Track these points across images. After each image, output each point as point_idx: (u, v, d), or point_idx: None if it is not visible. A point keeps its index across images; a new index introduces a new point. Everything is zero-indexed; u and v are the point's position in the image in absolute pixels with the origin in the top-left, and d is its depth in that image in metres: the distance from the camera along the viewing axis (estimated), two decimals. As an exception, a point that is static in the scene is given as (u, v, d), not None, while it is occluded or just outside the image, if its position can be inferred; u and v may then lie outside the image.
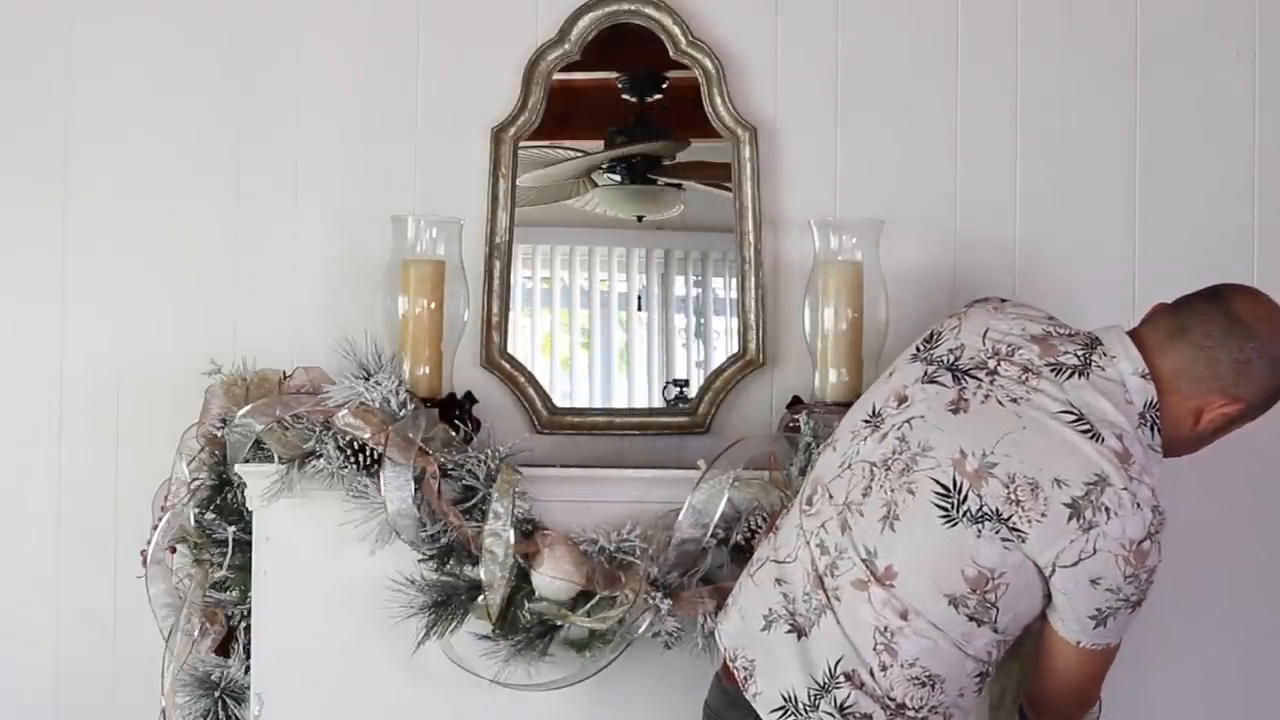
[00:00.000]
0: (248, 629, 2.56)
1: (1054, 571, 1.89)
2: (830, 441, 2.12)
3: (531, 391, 2.77)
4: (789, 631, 2.00)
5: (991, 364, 1.97)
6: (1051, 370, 1.95)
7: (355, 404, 2.43)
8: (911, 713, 1.94)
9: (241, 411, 2.49)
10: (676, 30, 2.76)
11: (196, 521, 2.56)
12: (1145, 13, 2.83)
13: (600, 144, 2.85)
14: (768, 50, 2.81)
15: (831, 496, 2.03)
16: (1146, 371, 1.95)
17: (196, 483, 2.56)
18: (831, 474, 2.05)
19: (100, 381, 2.82)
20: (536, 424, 2.77)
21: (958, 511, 1.90)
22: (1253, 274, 2.82)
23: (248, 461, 2.49)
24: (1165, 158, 2.82)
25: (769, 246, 2.78)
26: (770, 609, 2.03)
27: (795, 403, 2.63)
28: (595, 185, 2.85)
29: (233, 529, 2.54)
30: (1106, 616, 1.91)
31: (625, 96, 2.84)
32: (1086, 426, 1.89)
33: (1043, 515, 1.86)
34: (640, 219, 2.89)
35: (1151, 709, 2.76)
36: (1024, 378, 1.95)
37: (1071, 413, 1.91)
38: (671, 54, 2.77)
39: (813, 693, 1.96)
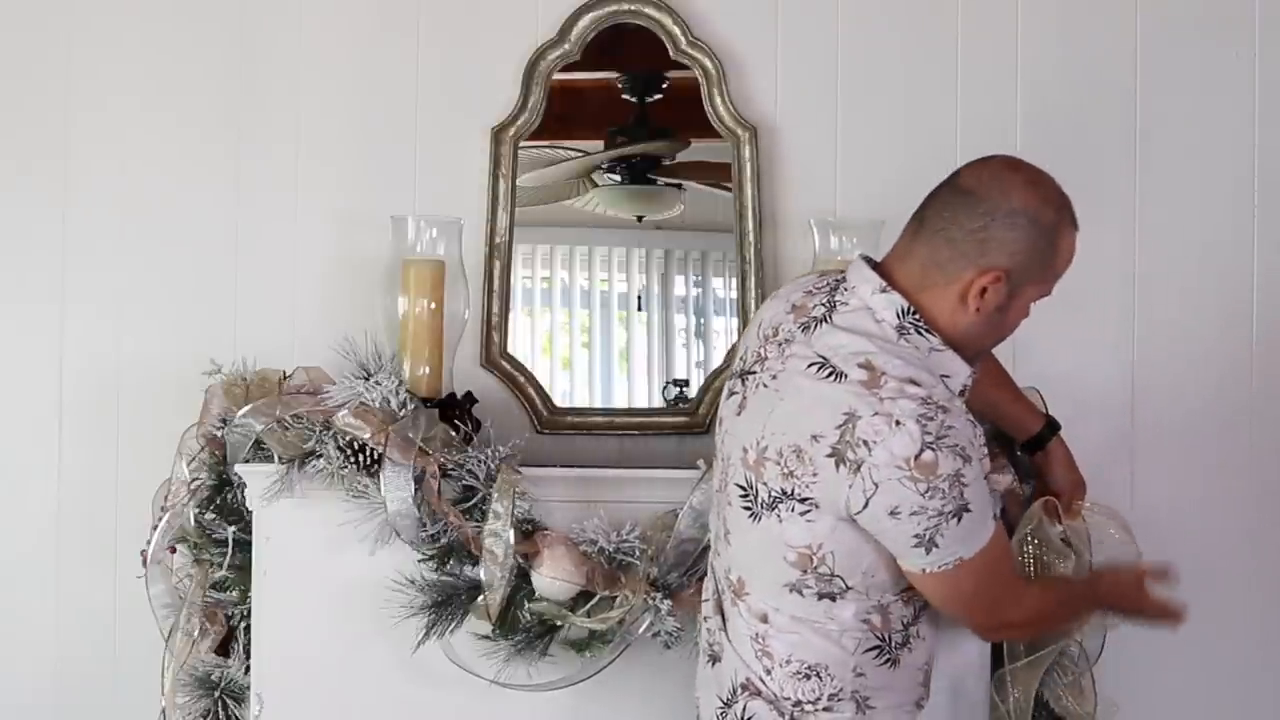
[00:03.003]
0: (248, 629, 2.56)
1: (854, 521, 1.84)
2: None
3: (531, 391, 2.78)
4: (708, 661, 2.05)
5: (763, 352, 1.96)
6: (802, 330, 1.92)
7: (355, 404, 2.43)
8: (811, 706, 1.93)
9: (241, 411, 2.49)
10: (676, 30, 2.76)
11: (196, 521, 2.56)
12: (1145, 13, 2.83)
13: (600, 144, 2.85)
14: (768, 50, 2.81)
15: (712, 532, 2.09)
16: (884, 285, 1.89)
17: (196, 483, 2.56)
18: (711, 512, 2.11)
19: (100, 381, 2.82)
20: (537, 424, 2.77)
21: (757, 506, 1.89)
22: (1253, 274, 2.83)
23: (248, 461, 2.49)
24: (1165, 158, 2.82)
25: (769, 246, 2.78)
26: (702, 647, 2.08)
27: (795, 403, 2.63)
28: (595, 185, 2.85)
29: (233, 529, 2.54)
30: (930, 537, 1.82)
31: (625, 96, 2.84)
32: (829, 370, 1.85)
33: (815, 475, 1.83)
34: (640, 219, 2.89)
35: (1158, 709, 2.76)
36: (782, 350, 1.92)
37: (816, 362, 1.86)
38: (671, 54, 2.77)
39: (719, 711, 1.98)
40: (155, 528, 2.58)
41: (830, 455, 1.81)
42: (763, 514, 1.89)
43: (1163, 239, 2.81)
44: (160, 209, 2.83)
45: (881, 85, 2.82)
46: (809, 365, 1.87)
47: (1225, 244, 2.83)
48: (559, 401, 2.80)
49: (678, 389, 2.83)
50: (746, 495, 1.91)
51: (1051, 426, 2.27)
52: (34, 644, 2.83)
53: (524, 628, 2.41)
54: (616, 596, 2.38)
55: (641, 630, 2.38)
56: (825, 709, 1.93)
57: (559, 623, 2.41)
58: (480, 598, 2.40)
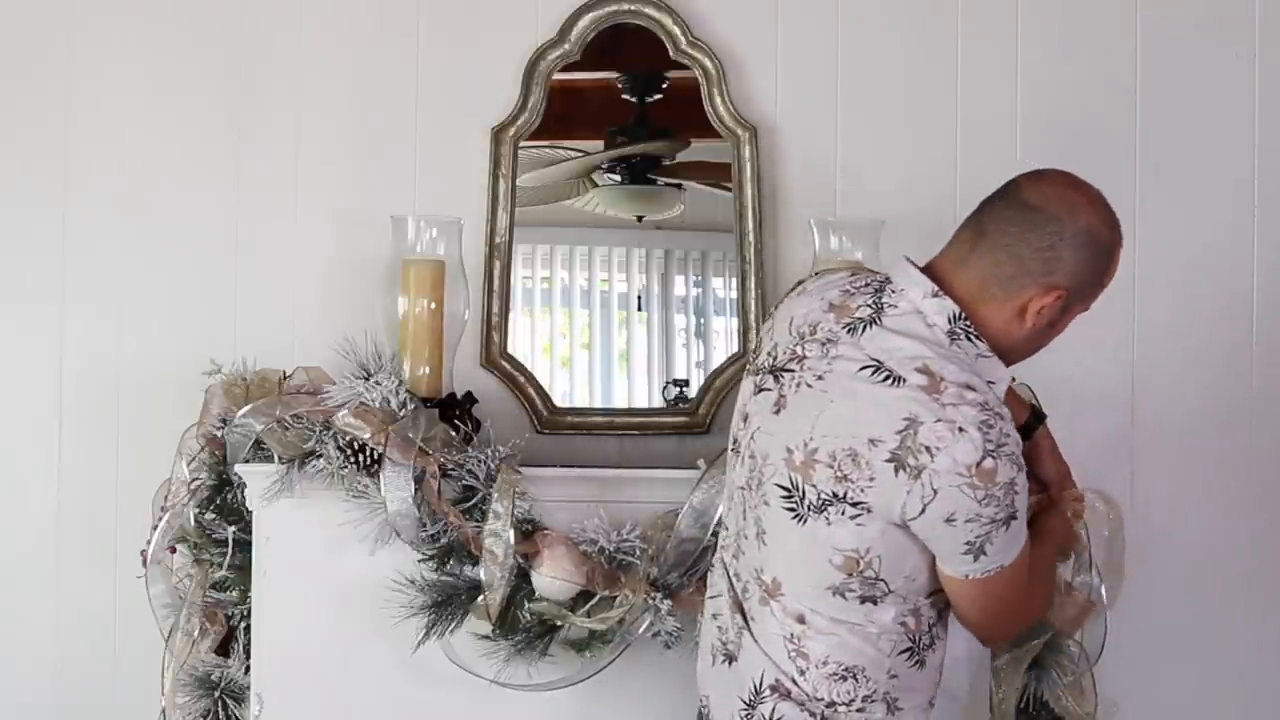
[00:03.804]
0: (248, 629, 2.56)
1: (907, 525, 1.84)
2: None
3: (531, 391, 2.78)
4: (723, 660, 2.02)
5: (800, 350, 1.93)
6: (847, 331, 1.90)
7: (355, 404, 2.43)
8: (844, 708, 1.93)
9: (241, 411, 2.49)
10: (676, 30, 2.76)
11: (196, 521, 2.56)
12: (1145, 13, 2.83)
13: (600, 144, 2.85)
14: (768, 50, 2.81)
15: (728, 528, 2.05)
16: (937, 290, 1.89)
17: (196, 483, 2.56)
18: (725, 508, 2.07)
19: (100, 381, 2.82)
20: (537, 424, 2.77)
21: (803, 508, 1.87)
22: (1252, 274, 2.83)
23: (248, 461, 2.49)
24: (1165, 158, 2.82)
25: (769, 246, 2.79)
26: (712, 645, 2.05)
27: (795, 403, 2.63)
28: (595, 185, 2.85)
29: (233, 529, 2.54)
30: (981, 544, 1.83)
31: (625, 96, 2.84)
32: (885, 374, 1.83)
33: (871, 480, 1.81)
34: (640, 219, 2.89)
35: (1158, 709, 2.76)
36: (826, 350, 1.90)
37: (870, 365, 1.85)
38: (671, 54, 2.77)
39: (744, 713, 1.96)
40: (155, 528, 2.58)
41: (890, 460, 1.80)
42: (809, 516, 1.87)
43: (1163, 239, 2.81)
44: (160, 209, 2.83)
45: (882, 86, 2.82)
46: (862, 368, 1.85)
47: (1225, 244, 2.83)
48: (559, 401, 2.80)
49: (678, 389, 2.83)
50: (790, 497, 1.88)
51: (1037, 416, 2.27)
52: (34, 644, 2.83)
53: (524, 628, 2.41)
54: (616, 596, 2.38)
55: (641, 630, 2.38)
56: (859, 710, 1.93)
57: (559, 623, 2.41)
58: (480, 598, 2.40)
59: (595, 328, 2.88)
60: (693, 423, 2.78)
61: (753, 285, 2.76)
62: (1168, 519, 2.71)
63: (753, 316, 2.76)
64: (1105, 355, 2.81)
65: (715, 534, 2.39)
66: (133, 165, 2.83)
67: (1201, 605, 2.81)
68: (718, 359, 2.82)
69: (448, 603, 2.42)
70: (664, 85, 2.83)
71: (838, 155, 2.81)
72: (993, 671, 2.44)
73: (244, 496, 2.51)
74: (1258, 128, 2.84)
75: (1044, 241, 1.88)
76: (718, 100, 2.76)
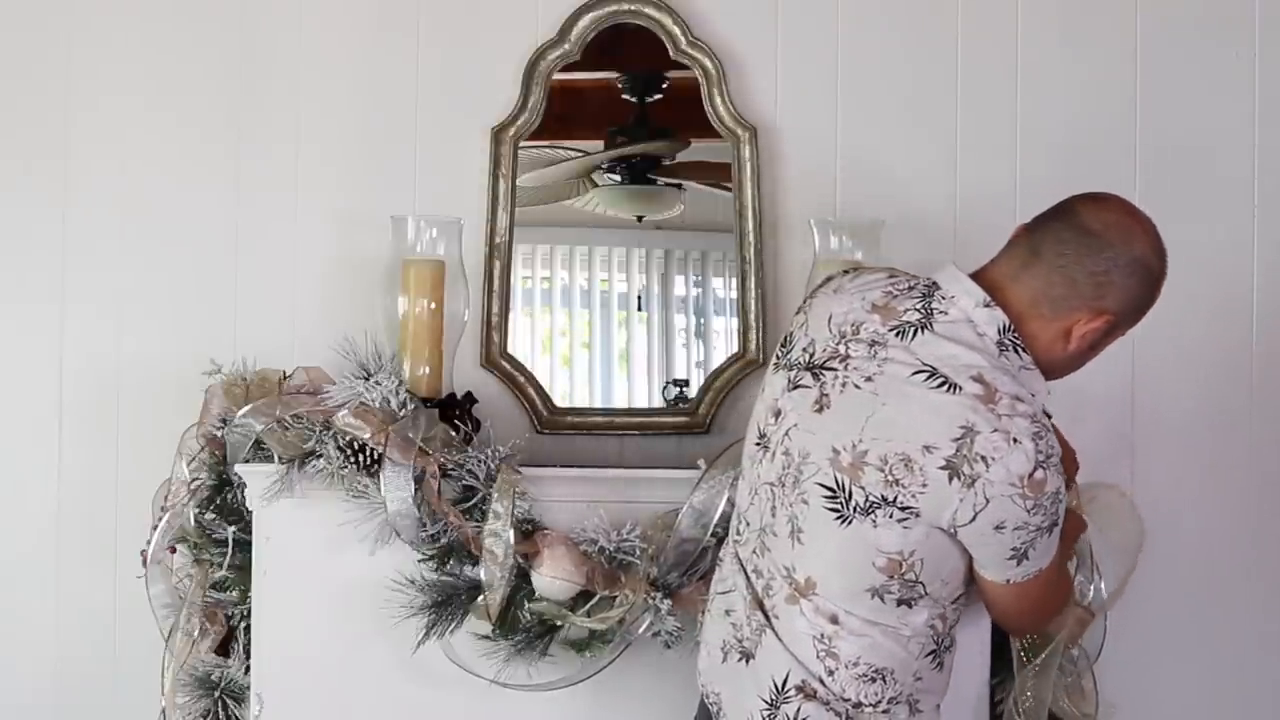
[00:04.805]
0: (248, 629, 2.56)
1: (956, 531, 1.86)
2: (739, 471, 2.12)
3: (531, 391, 2.78)
4: (740, 659, 2.01)
5: (842, 349, 1.93)
6: (896, 334, 1.90)
7: (355, 404, 2.43)
8: (870, 709, 1.94)
9: (241, 411, 2.49)
10: (676, 30, 2.76)
11: (196, 521, 2.56)
12: (1145, 13, 2.83)
13: (600, 144, 2.85)
14: (768, 50, 2.81)
15: (749, 524, 2.04)
16: (989, 300, 1.91)
17: (196, 483, 2.56)
18: (745, 503, 2.06)
19: (100, 381, 2.82)
20: (537, 424, 2.77)
21: (848, 509, 1.88)
22: (1252, 274, 2.83)
23: (248, 461, 2.49)
24: (1165, 158, 2.82)
25: (769, 246, 2.79)
26: (724, 640, 2.04)
27: (795, 403, 2.63)
28: (595, 185, 2.85)
29: (233, 529, 2.54)
30: (1025, 550, 1.87)
31: (625, 96, 2.84)
32: (941, 380, 1.85)
33: (924, 486, 1.83)
34: (640, 219, 2.89)
35: (1157, 709, 2.76)
36: (873, 351, 1.90)
37: (924, 370, 1.86)
38: (671, 54, 2.77)
39: (765, 713, 1.96)
40: (155, 528, 2.58)
41: (944, 468, 1.82)
42: (854, 518, 1.88)
43: (1162, 238, 2.81)
44: (160, 209, 2.83)
45: (882, 86, 2.82)
46: (915, 373, 1.87)
47: (1225, 244, 2.83)
48: (559, 401, 2.80)
49: (678, 389, 2.83)
50: (835, 497, 1.89)
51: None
52: (34, 644, 2.83)
53: (524, 628, 2.41)
54: (616, 596, 2.38)
55: (641, 630, 2.38)
56: (884, 711, 1.94)
57: (559, 623, 2.41)
58: (480, 598, 2.40)
59: (595, 328, 2.88)
60: (693, 423, 2.78)
61: (753, 285, 2.76)
62: (1167, 518, 2.71)
63: (753, 316, 2.76)
64: (1105, 353, 2.79)
65: (715, 534, 2.40)
66: (133, 165, 2.83)
67: (1201, 604, 2.81)
68: (718, 359, 2.82)
69: (448, 603, 2.42)
70: (664, 85, 2.83)
71: (838, 155, 2.81)
72: (1018, 682, 2.44)
73: (244, 496, 2.51)
74: (1258, 128, 2.84)
75: (1099, 266, 1.91)
76: (717, 100, 2.76)
